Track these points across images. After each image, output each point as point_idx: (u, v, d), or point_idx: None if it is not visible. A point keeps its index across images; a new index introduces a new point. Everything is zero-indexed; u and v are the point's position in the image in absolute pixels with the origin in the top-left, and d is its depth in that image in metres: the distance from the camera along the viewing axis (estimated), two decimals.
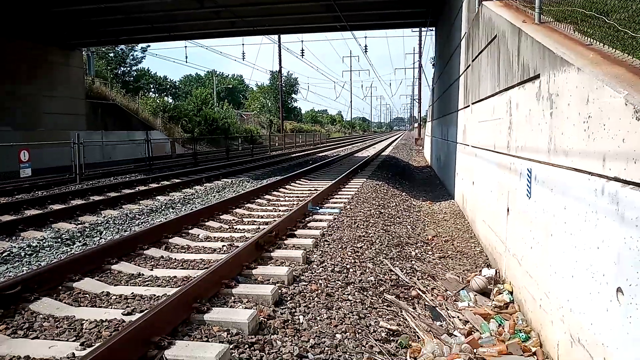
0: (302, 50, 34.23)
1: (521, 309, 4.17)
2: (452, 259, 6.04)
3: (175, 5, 15.82)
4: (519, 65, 4.50)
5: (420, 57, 42.32)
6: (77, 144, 14.24)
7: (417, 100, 47.43)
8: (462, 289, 4.83)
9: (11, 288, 3.83)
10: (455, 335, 3.78)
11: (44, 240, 6.24)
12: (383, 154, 26.51)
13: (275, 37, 38.35)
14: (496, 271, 5.13)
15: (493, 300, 4.52)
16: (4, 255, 5.54)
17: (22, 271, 4.98)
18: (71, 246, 6.11)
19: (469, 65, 8.33)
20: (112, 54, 50.28)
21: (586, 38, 3.64)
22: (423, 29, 35.22)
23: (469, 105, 8.37)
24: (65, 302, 3.94)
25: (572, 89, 3.05)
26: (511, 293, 4.49)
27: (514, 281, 4.47)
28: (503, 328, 3.89)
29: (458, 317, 4.20)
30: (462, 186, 9.10)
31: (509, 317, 4.09)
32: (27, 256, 5.60)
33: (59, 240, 6.32)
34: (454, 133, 10.81)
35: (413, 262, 5.67)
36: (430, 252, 6.34)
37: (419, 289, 4.72)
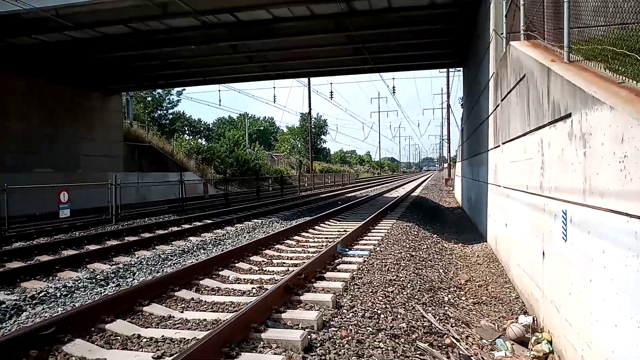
0: (331, 92, 35.05)
1: None
2: (486, 305, 5.83)
3: (209, 50, 16.55)
4: (549, 104, 4.46)
5: (448, 97, 42.47)
6: (114, 185, 14.72)
7: (446, 141, 47.25)
8: (498, 337, 4.63)
9: (46, 329, 3.91)
10: None
11: (79, 281, 6.38)
12: (413, 194, 26.28)
13: (305, 79, 39.41)
14: (533, 318, 4.91)
15: (531, 349, 4.30)
16: (40, 295, 5.68)
17: (57, 312, 5.07)
18: (105, 287, 6.21)
19: (498, 104, 8.30)
20: (149, 98, 52.46)
21: (618, 76, 3.59)
22: (451, 69, 35.51)
23: (499, 145, 8.28)
24: (97, 344, 3.98)
25: (605, 128, 2.99)
26: (550, 342, 4.27)
27: (553, 329, 4.26)
28: None
29: None
30: (494, 228, 8.88)
31: None
32: (62, 296, 5.72)
33: (94, 280, 6.45)
34: (484, 173, 10.66)
35: (446, 308, 5.50)
36: (463, 298, 6.14)
37: (453, 337, 4.55)
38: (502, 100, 7.86)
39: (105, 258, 8.30)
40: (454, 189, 29.63)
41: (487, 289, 6.50)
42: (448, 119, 43.75)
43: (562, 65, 4.43)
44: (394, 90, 31.31)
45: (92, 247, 9.35)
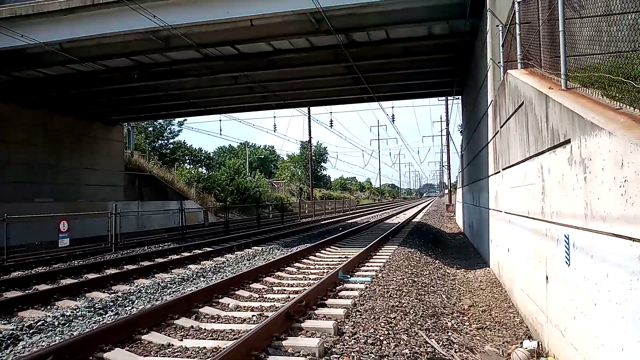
0: (331, 121, 35.34)
1: None
2: (490, 330, 5.74)
3: (211, 82, 16.81)
4: (548, 131, 4.51)
5: (447, 124, 42.75)
6: (114, 214, 14.70)
7: (446, 167, 47.37)
8: None
9: (43, 359, 3.85)
10: None
11: (77, 310, 6.30)
12: (414, 220, 26.21)
13: (305, 109, 39.83)
14: (538, 343, 4.83)
15: None
16: (38, 324, 5.61)
17: (55, 341, 5.00)
18: (104, 315, 6.14)
19: (497, 131, 8.38)
20: (150, 128, 52.92)
21: (615, 103, 3.65)
22: (449, 97, 35.95)
23: (499, 171, 8.32)
24: None
25: (605, 153, 3.02)
26: None
27: (558, 354, 4.19)
28: None
29: None
30: (497, 253, 8.82)
31: None
32: (60, 325, 5.64)
33: (92, 309, 6.37)
34: (485, 199, 10.66)
35: (450, 334, 5.42)
36: (467, 323, 6.06)
37: None
38: (501, 127, 7.94)
39: (104, 287, 8.23)
40: (455, 215, 29.57)
41: (490, 314, 6.42)
42: (448, 145, 44.02)
43: (559, 92, 4.50)
44: (393, 118, 31.75)
45: (91, 276, 9.27)
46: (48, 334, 5.32)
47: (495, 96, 8.72)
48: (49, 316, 5.99)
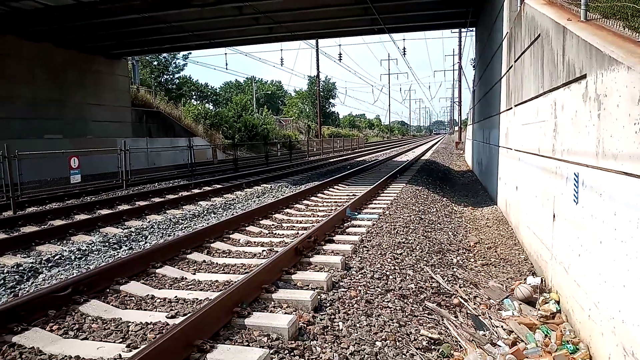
0: (340, 54, 34.18)
1: (569, 319, 4.00)
2: (495, 267, 5.88)
3: (214, 12, 16.19)
4: (564, 65, 4.35)
5: (460, 58, 41.43)
6: (123, 150, 14.79)
7: (457, 103, 46.50)
8: (506, 297, 4.69)
9: (62, 290, 4.02)
10: (499, 346, 3.67)
11: (92, 244, 6.51)
12: (422, 158, 26.16)
13: (313, 41, 38.63)
14: (542, 279, 4.95)
15: (539, 309, 4.36)
16: (55, 258, 5.81)
17: (73, 274, 5.20)
18: (118, 250, 6.34)
19: (511, 66, 8.11)
20: (155, 62, 51.90)
21: (638, 34, 3.47)
22: (463, 29, 34.55)
23: (511, 108, 8.15)
24: (112, 305, 4.10)
25: (621, 89, 2.92)
26: (558, 302, 4.32)
27: (561, 290, 4.30)
28: (549, 339, 3.75)
29: (502, 326, 4.08)
30: (505, 191, 8.85)
31: (556, 328, 3.93)
32: (77, 259, 5.85)
33: (107, 244, 6.58)
34: (496, 136, 10.54)
35: (455, 270, 5.56)
36: (472, 260, 6.19)
37: (461, 297, 4.62)
38: (515, 62, 7.67)
39: (118, 222, 8.43)
40: (464, 152, 29.44)
41: (496, 251, 6.54)
42: (459, 81, 42.95)
43: (578, 24, 4.28)
44: (404, 51, 30.58)
45: (104, 212, 9.49)
46: (65, 267, 5.53)
47: (510, 28, 8.36)
48: (66, 250, 6.20)
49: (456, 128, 52.16)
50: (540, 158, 5.46)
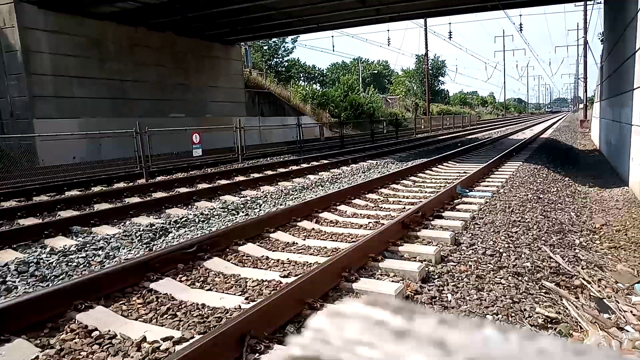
0: (450, 32, 32.75)
1: None
2: (624, 250, 5.29)
3: None
4: None
5: (585, 32, 37.30)
6: (239, 128, 15.76)
7: (581, 80, 42.03)
8: (638, 282, 4.21)
9: (189, 248, 4.44)
10: (627, 330, 3.32)
11: (213, 210, 7.07)
12: (542, 136, 24.21)
13: (421, 21, 37.23)
14: None
15: None
16: (182, 220, 6.41)
17: (197, 234, 5.70)
18: (236, 215, 6.81)
19: None
20: (266, 47, 53.93)
21: None
22: (589, 1, 30.86)
23: None
24: (232, 262, 4.44)
25: None
26: None
27: None
28: None
29: (631, 311, 3.68)
30: (638, 172, 7.87)
31: None
32: (200, 222, 6.40)
33: (226, 210, 7.09)
34: (628, 115, 9.35)
35: (577, 251, 5.11)
36: (597, 242, 5.64)
37: (584, 279, 4.24)
38: None
39: (235, 191, 9.04)
40: (590, 131, 26.66)
41: (626, 234, 5.88)
42: (585, 56, 38.70)
43: None
44: (520, 27, 28.32)
45: (223, 182, 10.21)
46: (191, 228, 6.07)
47: None
48: (190, 214, 6.81)
49: (581, 106, 47.30)
50: None
